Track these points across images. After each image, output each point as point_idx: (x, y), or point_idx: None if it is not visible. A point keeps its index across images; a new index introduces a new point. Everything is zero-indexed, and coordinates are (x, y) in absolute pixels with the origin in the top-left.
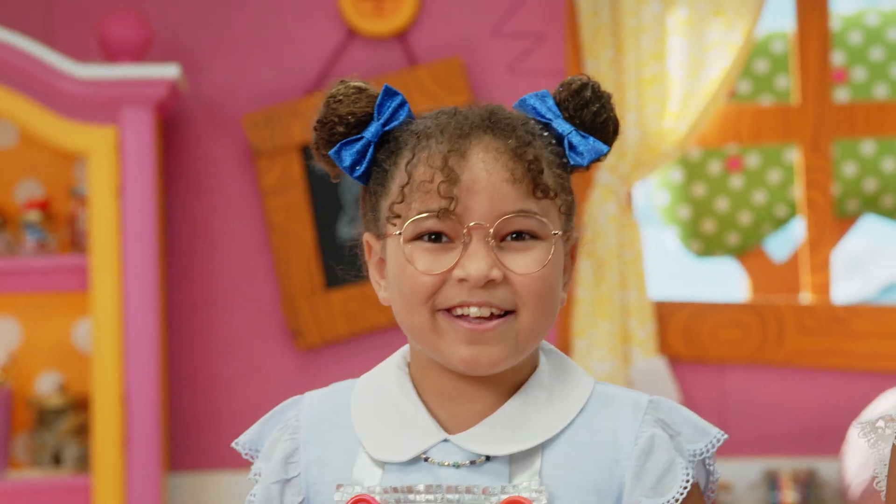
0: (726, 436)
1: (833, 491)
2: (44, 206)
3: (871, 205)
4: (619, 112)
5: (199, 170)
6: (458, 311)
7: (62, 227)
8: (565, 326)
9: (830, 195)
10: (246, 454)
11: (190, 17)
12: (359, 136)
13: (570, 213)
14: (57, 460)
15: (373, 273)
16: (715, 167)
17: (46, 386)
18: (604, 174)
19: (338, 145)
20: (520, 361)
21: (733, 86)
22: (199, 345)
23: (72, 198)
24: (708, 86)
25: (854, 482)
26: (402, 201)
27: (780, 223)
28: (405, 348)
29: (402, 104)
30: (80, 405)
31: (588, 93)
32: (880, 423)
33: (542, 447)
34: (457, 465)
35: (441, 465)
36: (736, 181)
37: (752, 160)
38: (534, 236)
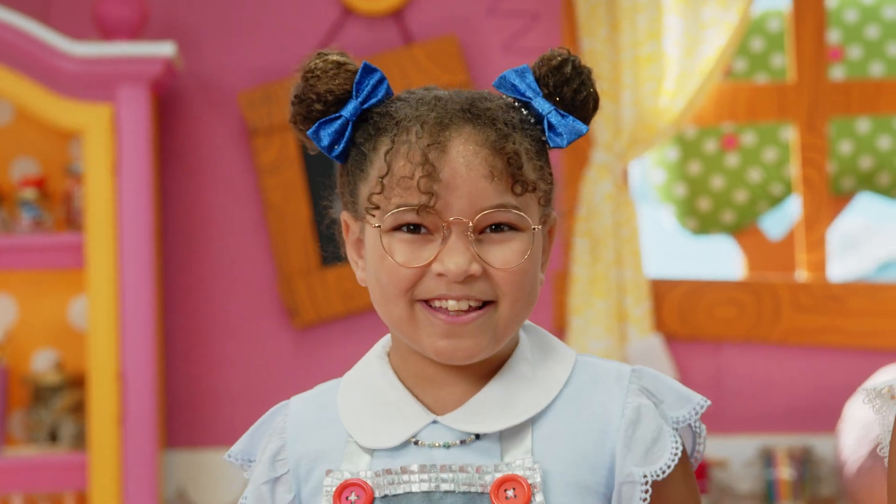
0: (709, 402)
1: (829, 468)
2: (40, 184)
3: (867, 183)
4: (613, 89)
5: (195, 148)
6: (437, 304)
7: (58, 204)
8: (561, 304)
9: (826, 173)
10: (240, 465)
11: None
12: (337, 114)
13: (549, 201)
14: (53, 437)
15: (350, 252)
16: (711, 145)
17: (43, 363)
18: (600, 152)
19: (316, 124)
20: None
21: (729, 64)
22: (196, 322)
23: (68, 176)
24: (704, 64)
25: (850, 459)
26: (381, 192)
27: (775, 201)
28: (386, 338)
29: (381, 81)
30: (76, 382)
31: (568, 69)
32: (885, 391)
33: (531, 423)
34: (447, 446)
35: (432, 446)
36: (732, 159)
37: (748, 138)
38: (513, 227)
